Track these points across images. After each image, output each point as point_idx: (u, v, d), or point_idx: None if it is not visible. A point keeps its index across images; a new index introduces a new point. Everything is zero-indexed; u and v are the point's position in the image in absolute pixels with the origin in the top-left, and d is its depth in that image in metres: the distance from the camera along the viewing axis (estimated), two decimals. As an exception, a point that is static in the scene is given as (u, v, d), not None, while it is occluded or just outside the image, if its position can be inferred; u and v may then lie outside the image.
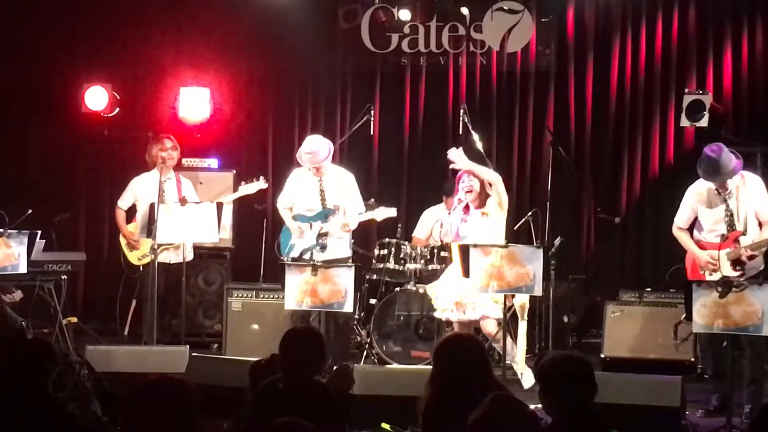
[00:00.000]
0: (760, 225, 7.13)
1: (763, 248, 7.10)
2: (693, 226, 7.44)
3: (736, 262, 7.10)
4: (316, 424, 3.48)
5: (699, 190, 7.33)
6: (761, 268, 7.16)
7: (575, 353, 4.90)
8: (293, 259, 8.08)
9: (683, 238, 7.47)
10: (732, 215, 7.13)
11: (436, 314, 7.94)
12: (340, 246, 8.24)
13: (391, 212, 8.40)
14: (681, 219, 7.48)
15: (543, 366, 4.17)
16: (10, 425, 4.16)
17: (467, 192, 7.76)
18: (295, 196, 8.39)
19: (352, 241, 8.58)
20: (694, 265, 7.39)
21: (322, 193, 8.25)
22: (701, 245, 7.31)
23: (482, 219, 7.71)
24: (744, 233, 7.12)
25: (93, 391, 4.71)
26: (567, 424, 3.94)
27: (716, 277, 7.09)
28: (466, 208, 7.80)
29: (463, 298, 7.64)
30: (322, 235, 8.05)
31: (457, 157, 7.80)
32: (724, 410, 6.92)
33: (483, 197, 7.76)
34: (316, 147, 8.18)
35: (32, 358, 4.43)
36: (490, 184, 7.76)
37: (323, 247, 8.01)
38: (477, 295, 7.50)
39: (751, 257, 7.07)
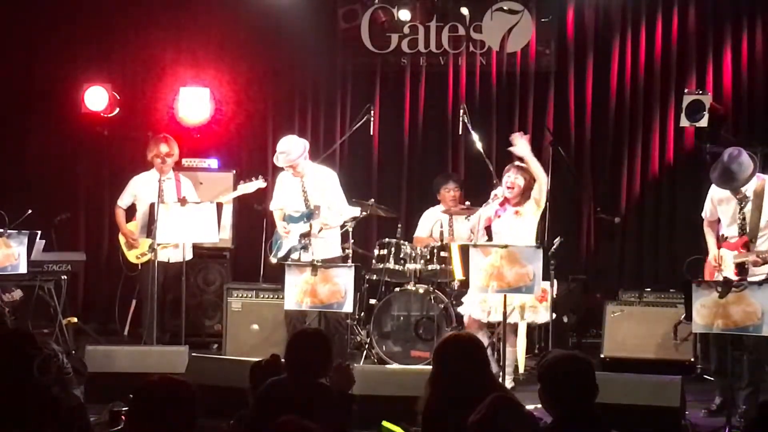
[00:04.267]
0: None
1: None
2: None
3: (740, 267, 7.06)
4: (319, 425, 3.49)
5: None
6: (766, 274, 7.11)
7: (577, 353, 4.90)
8: (280, 259, 8.14)
9: (707, 233, 7.40)
10: (744, 219, 7.06)
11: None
12: (326, 246, 8.22)
13: (355, 211, 8.38)
14: (706, 213, 7.42)
15: (545, 365, 4.17)
16: None
17: (509, 187, 7.68)
18: (283, 198, 8.42)
19: (352, 241, 8.58)
20: (708, 264, 7.36)
21: (304, 193, 8.27)
22: (720, 245, 7.28)
23: (515, 218, 7.66)
24: (753, 239, 7.05)
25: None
26: (568, 424, 3.94)
27: (724, 273, 7.08)
28: (503, 203, 7.74)
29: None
30: (303, 236, 8.04)
31: (520, 141, 7.70)
32: (726, 410, 6.95)
33: (523, 195, 7.71)
34: (288, 146, 8.21)
35: (16, 344, 4.48)
36: (534, 180, 7.72)
37: (305, 247, 7.99)
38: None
39: (756, 263, 6.99)
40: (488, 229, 7.94)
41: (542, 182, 7.66)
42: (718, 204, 7.25)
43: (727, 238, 7.21)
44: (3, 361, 4.39)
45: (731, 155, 7.00)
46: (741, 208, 7.07)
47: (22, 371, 4.35)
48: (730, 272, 7.05)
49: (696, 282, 6.72)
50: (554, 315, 7.85)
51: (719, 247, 7.23)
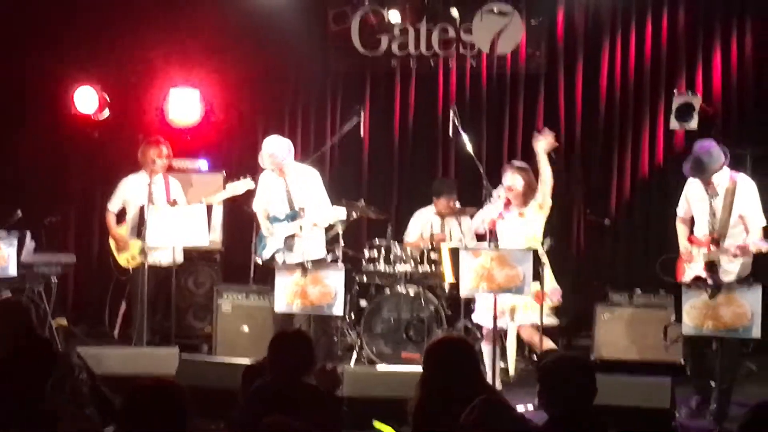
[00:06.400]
0: (746, 229, 7.10)
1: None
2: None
3: (710, 265, 7.10)
4: (308, 426, 3.49)
5: (692, 182, 7.37)
6: (745, 275, 7.11)
7: (577, 354, 4.92)
8: (265, 261, 8.15)
9: (679, 229, 7.50)
10: (715, 215, 7.13)
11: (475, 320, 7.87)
12: (311, 247, 8.22)
13: (341, 213, 8.32)
14: (680, 210, 7.51)
15: (545, 366, 4.18)
16: (3, 421, 4.16)
17: (507, 190, 7.61)
18: (267, 199, 8.40)
19: (342, 243, 8.56)
20: (681, 261, 7.42)
21: (288, 194, 8.25)
22: (691, 240, 7.35)
23: (518, 219, 7.61)
24: (722, 237, 7.08)
25: (90, 396, 4.69)
26: (566, 424, 3.95)
27: (692, 270, 7.12)
28: (507, 204, 7.65)
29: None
30: (288, 237, 8.03)
31: (545, 135, 7.63)
32: (705, 409, 7.02)
33: (525, 197, 7.60)
34: (273, 148, 8.20)
35: (35, 358, 4.44)
36: (536, 181, 7.61)
37: (290, 248, 7.98)
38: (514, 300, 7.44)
39: (735, 254, 7.01)
40: (492, 232, 7.84)
41: (546, 184, 7.55)
42: (693, 202, 7.33)
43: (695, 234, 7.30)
44: (17, 373, 4.34)
45: (702, 146, 7.15)
46: (711, 205, 7.15)
47: (34, 387, 4.30)
48: (699, 268, 7.09)
49: (686, 284, 6.75)
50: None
51: (691, 243, 7.31)
